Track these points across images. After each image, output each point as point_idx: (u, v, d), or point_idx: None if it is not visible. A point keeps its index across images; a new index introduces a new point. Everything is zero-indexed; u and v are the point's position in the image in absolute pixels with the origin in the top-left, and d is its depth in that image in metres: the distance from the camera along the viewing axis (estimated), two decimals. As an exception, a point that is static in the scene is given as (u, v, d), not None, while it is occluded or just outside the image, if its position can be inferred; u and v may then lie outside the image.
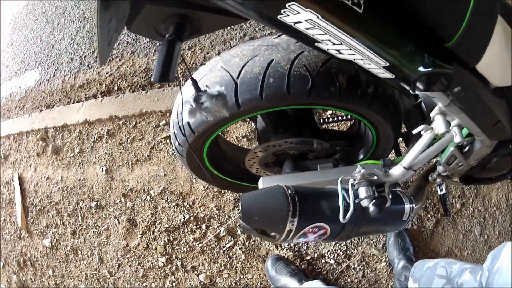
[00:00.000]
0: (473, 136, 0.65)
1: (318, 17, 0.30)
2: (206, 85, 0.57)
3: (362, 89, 0.60)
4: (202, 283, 1.03)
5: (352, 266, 1.02)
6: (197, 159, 0.75)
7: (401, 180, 0.66)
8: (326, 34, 0.33)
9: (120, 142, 1.19)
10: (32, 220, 1.49)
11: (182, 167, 1.07)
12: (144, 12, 0.34)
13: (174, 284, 1.07)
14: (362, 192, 0.57)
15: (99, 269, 1.22)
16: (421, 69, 0.41)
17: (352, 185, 0.58)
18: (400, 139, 0.86)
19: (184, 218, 1.04)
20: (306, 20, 0.30)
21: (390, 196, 0.60)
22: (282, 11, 0.29)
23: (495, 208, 1.13)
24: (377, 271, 1.02)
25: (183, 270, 1.05)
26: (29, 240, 1.53)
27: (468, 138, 0.69)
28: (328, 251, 1.01)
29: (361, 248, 1.02)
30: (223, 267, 1.02)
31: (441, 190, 0.86)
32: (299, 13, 0.29)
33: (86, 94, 1.39)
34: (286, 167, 0.81)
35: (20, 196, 1.55)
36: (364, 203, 0.57)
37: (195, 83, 0.44)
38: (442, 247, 1.07)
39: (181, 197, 1.05)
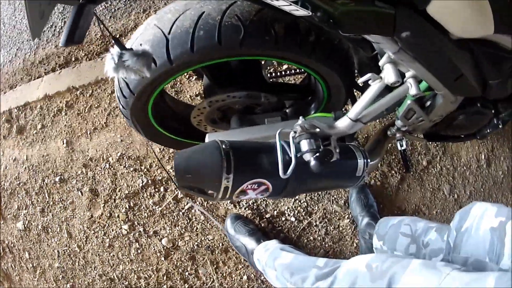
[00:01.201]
0: (434, 90, 0.64)
1: None
2: (140, 44, 0.60)
3: (302, 37, 0.61)
4: (165, 248, 1.09)
5: (314, 224, 1.06)
6: (143, 119, 0.79)
7: (348, 132, 0.67)
8: None
9: (78, 112, 1.24)
10: (5, 205, 1.58)
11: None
12: None
13: (139, 251, 1.13)
14: (304, 145, 0.57)
15: (69, 245, 1.30)
16: (342, 4, 0.40)
17: (293, 137, 0.58)
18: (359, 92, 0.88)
19: (142, 183, 1.10)
20: None
21: (338, 150, 0.60)
22: None
23: (465, 168, 1.15)
24: (341, 228, 1.06)
25: (146, 236, 1.11)
26: (4, 226, 1.62)
27: (429, 92, 0.69)
28: (288, 208, 1.05)
29: (322, 205, 1.06)
30: (183, 230, 1.08)
31: (401, 146, 0.87)
32: None
33: (45, 69, 1.44)
34: (233, 123, 0.84)
35: (-8, 182, 1.65)
36: (306, 157, 0.57)
37: (117, 41, 0.48)
38: (409, 204, 1.10)
39: (138, 162, 1.11)
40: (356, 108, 0.64)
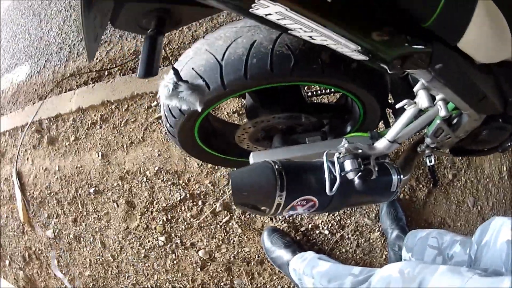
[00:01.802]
0: (461, 110, 0.71)
1: (286, 10, 0.35)
2: (192, 68, 0.65)
3: (345, 64, 0.66)
4: (201, 259, 1.16)
5: (346, 236, 1.12)
6: (189, 138, 0.85)
7: (386, 152, 0.73)
8: (296, 23, 0.38)
9: (114, 126, 1.31)
10: (33, 213, 1.65)
11: (176, 146, 1.19)
12: (126, 9, 0.39)
13: (175, 262, 1.20)
14: (348, 165, 0.63)
15: (102, 254, 1.36)
16: (395, 50, 0.46)
17: (338, 158, 0.64)
18: (390, 110, 0.95)
19: (180, 196, 1.16)
20: (276, 12, 0.35)
21: (376, 168, 0.66)
22: (252, 5, 0.34)
23: (488, 180, 1.21)
24: (371, 241, 1.12)
25: (183, 247, 1.18)
26: (32, 233, 1.70)
27: (456, 111, 0.76)
28: (322, 222, 1.11)
29: (354, 218, 1.12)
30: (221, 242, 1.14)
31: (430, 162, 0.92)
32: (268, 6, 0.34)
33: (77, 82, 1.52)
34: (276, 142, 0.90)
35: (20, 191, 1.72)
36: (350, 175, 0.62)
37: (176, 72, 0.51)
38: (435, 217, 1.16)
39: (176, 176, 1.17)
40: (393, 131, 0.70)
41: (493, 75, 0.62)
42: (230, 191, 0.61)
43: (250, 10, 0.35)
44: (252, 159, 0.79)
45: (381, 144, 0.72)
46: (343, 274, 0.76)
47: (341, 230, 1.12)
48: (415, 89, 0.63)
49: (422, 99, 0.62)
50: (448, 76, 0.55)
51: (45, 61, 1.77)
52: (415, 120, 0.71)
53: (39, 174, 1.61)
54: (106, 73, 1.43)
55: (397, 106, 0.66)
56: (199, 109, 0.55)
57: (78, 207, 1.41)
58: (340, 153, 0.65)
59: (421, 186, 1.19)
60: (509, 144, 0.94)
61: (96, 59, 1.49)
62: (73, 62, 1.58)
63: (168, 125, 0.78)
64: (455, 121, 0.79)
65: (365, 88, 0.73)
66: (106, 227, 1.33)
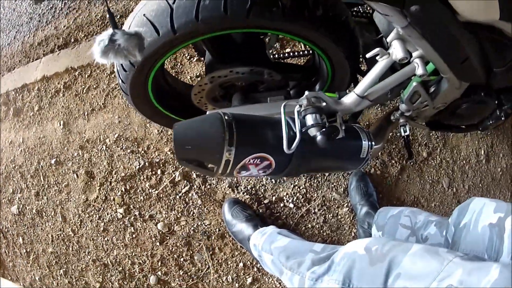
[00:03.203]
0: (440, 74, 0.68)
1: None
2: (144, 14, 0.64)
3: (309, 10, 0.65)
4: (160, 232, 1.16)
5: (313, 211, 1.11)
6: (143, 97, 0.84)
7: (355, 109, 0.70)
8: None
9: (76, 93, 1.33)
10: (0, 189, 1.68)
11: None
12: None
13: (134, 236, 1.20)
14: (309, 119, 0.59)
15: (63, 229, 1.38)
16: None
17: (299, 112, 0.60)
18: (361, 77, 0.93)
19: (139, 165, 1.17)
20: None
21: (343, 128, 0.62)
22: None
23: (464, 162, 1.20)
24: (339, 217, 1.11)
25: (142, 220, 1.18)
26: (-1, 210, 1.73)
27: (434, 77, 0.73)
28: (287, 194, 1.11)
29: (321, 192, 1.11)
30: (180, 214, 1.14)
31: (404, 131, 0.90)
32: None
33: (44, 51, 1.53)
34: (235, 100, 0.88)
35: (-13, 166, 1.75)
36: (312, 132, 0.58)
37: (111, 18, 0.50)
38: (408, 195, 1.15)
39: (135, 143, 1.18)
40: (363, 84, 0.67)
41: (478, 38, 0.59)
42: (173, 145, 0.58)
43: None
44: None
45: (349, 99, 0.68)
46: (303, 251, 0.72)
47: (307, 204, 1.12)
48: (389, 39, 0.61)
49: (396, 50, 0.59)
50: (425, 23, 0.52)
51: (16, 32, 1.79)
52: (388, 77, 0.68)
53: (4, 148, 1.64)
54: (72, 40, 1.44)
55: (368, 54, 0.63)
56: (139, 58, 0.54)
57: (40, 179, 1.43)
58: (301, 106, 0.61)
59: (393, 161, 1.18)
60: (490, 122, 0.91)
61: (64, 26, 1.51)
62: (41, 31, 1.60)
63: (120, 81, 0.78)
64: (433, 87, 0.76)
65: (331, 39, 0.71)
66: (67, 199, 1.34)
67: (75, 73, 1.35)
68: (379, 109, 1.23)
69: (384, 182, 1.17)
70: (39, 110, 1.44)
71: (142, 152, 1.17)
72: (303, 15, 0.65)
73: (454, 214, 0.65)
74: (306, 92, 0.63)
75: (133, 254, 1.22)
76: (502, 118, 0.87)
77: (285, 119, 0.58)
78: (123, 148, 1.19)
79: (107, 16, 0.50)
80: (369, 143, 0.70)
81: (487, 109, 0.86)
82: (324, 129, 0.58)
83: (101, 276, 1.31)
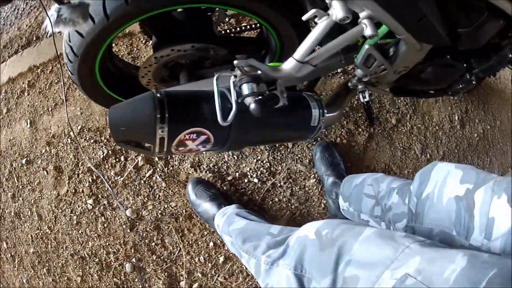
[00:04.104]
0: (397, 36, 0.63)
1: None
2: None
3: None
4: (130, 219, 1.22)
5: (278, 184, 1.15)
6: (92, 84, 0.88)
7: (297, 76, 0.67)
8: None
9: (40, 90, 1.39)
10: (-21, 196, 1.76)
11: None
12: None
13: (105, 226, 1.26)
14: (245, 89, 0.58)
15: (40, 227, 1.45)
16: None
17: (234, 82, 0.60)
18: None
19: (103, 154, 1.23)
20: None
21: (285, 95, 0.61)
22: None
23: (437, 127, 1.22)
24: (307, 189, 1.15)
25: (111, 208, 1.24)
26: (-19, 218, 1.81)
27: (391, 40, 0.70)
28: (250, 169, 1.15)
29: (286, 165, 1.16)
30: (146, 199, 1.20)
31: (363, 98, 0.88)
32: None
33: (9, 53, 1.61)
34: (182, 79, 0.90)
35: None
36: (247, 101, 0.58)
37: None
38: (378, 163, 1.18)
39: (98, 133, 1.24)
40: (302, 49, 0.64)
41: None
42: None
43: None
44: None
45: (288, 65, 0.66)
46: (260, 233, 0.72)
47: (272, 178, 1.16)
48: None
49: (336, 9, 0.55)
50: None
51: (-17, 38, 1.86)
52: (332, 40, 0.64)
53: (-21, 154, 1.72)
54: (34, 38, 1.51)
55: (304, 17, 0.60)
56: (84, 25, 0.59)
57: (15, 181, 1.50)
58: (236, 77, 0.60)
59: (360, 130, 1.22)
60: (460, 86, 0.88)
61: (26, 25, 1.57)
62: (6, 34, 1.67)
63: (70, 73, 0.83)
64: (391, 51, 0.72)
65: (271, 7, 0.71)
66: (40, 197, 1.41)
67: (38, 71, 1.41)
68: (342, 77, 1.27)
69: (352, 151, 1.20)
70: (7, 113, 1.51)
71: (105, 141, 1.23)
72: None
73: (415, 181, 0.62)
74: (235, 61, 0.63)
75: (107, 243, 1.28)
76: (473, 82, 0.83)
77: (218, 91, 0.58)
78: (87, 139, 1.25)
79: None
80: (320, 110, 0.69)
81: (455, 72, 0.82)
82: (259, 97, 0.57)
83: (80, 270, 1.37)
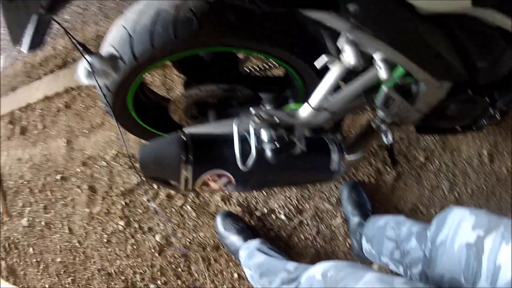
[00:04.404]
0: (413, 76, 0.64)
1: None
2: (111, 44, 0.75)
3: (256, 24, 0.70)
4: (159, 244, 1.30)
5: (305, 222, 1.21)
6: (126, 117, 0.93)
7: (315, 122, 0.71)
8: None
9: (76, 112, 1.48)
10: (10, 203, 1.87)
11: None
12: None
13: (134, 247, 1.35)
14: (263, 135, 0.63)
15: (70, 240, 1.54)
16: None
17: (253, 128, 0.64)
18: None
19: (137, 180, 1.30)
20: None
21: (303, 141, 0.65)
22: None
23: (466, 164, 1.24)
24: (333, 228, 1.21)
25: (141, 232, 1.32)
26: (10, 223, 1.92)
27: (410, 78, 0.70)
28: (278, 205, 1.22)
29: (313, 203, 1.21)
30: (176, 227, 1.27)
31: (387, 139, 0.86)
32: None
33: (44, 71, 1.70)
34: (210, 117, 0.96)
35: (-1, 182, 1.94)
36: (265, 147, 0.62)
37: (84, 48, 0.61)
38: (406, 203, 1.21)
39: (133, 159, 1.32)
40: (316, 95, 0.66)
41: (449, 30, 0.53)
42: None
43: None
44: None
45: (304, 113, 0.69)
46: (276, 269, 0.78)
47: (299, 215, 1.22)
48: (339, 43, 0.56)
49: (348, 55, 0.54)
50: (373, 22, 0.47)
51: (18, 53, 1.96)
52: (348, 85, 0.66)
53: (13, 165, 1.82)
54: (70, 60, 1.59)
55: (316, 63, 0.60)
56: (116, 76, 0.65)
57: (48, 194, 1.60)
58: (254, 122, 0.64)
59: (388, 169, 1.25)
60: (483, 121, 0.89)
61: (61, 46, 1.66)
62: (42, 52, 1.76)
63: (104, 105, 0.89)
64: (410, 90, 0.73)
65: (287, 50, 0.74)
66: (72, 213, 1.50)
67: (74, 93, 1.50)
68: (371, 113, 1.30)
69: (380, 190, 1.24)
70: (43, 129, 1.61)
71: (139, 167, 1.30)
72: (251, 29, 0.70)
73: (432, 226, 0.65)
74: (251, 109, 0.67)
75: (135, 264, 1.36)
76: (497, 117, 0.83)
77: (238, 136, 0.64)
78: (121, 163, 1.33)
79: (78, 48, 0.60)
80: (340, 154, 0.72)
81: (477, 107, 0.82)
82: (275, 146, 0.61)
83: (105, 284, 1.47)
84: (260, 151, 0.62)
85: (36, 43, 0.53)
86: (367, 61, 0.58)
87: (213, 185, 0.67)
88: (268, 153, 0.62)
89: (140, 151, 0.67)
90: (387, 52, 0.54)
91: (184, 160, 0.62)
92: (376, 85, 0.73)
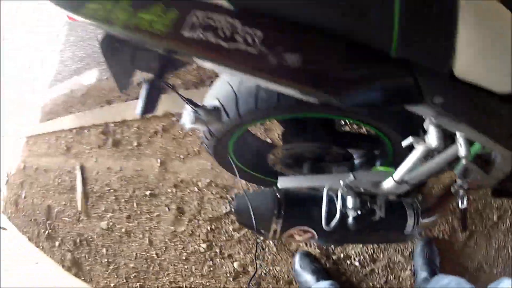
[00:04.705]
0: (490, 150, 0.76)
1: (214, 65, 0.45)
2: (216, 97, 0.80)
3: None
4: (235, 270, 1.45)
5: (376, 271, 1.32)
6: (225, 158, 1.05)
7: (396, 192, 0.81)
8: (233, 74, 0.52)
9: (174, 137, 1.70)
10: (91, 205, 2.12)
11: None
12: (138, 55, 0.56)
13: (211, 269, 1.51)
14: (349, 202, 0.71)
15: (148, 251, 1.74)
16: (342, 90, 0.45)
17: (342, 194, 0.73)
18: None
19: (226, 210, 1.48)
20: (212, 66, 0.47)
21: (383, 210, 0.75)
22: (197, 61, 0.47)
23: None
24: (400, 279, 1.31)
25: (221, 256, 1.48)
26: (87, 222, 2.17)
27: (486, 149, 0.78)
28: (355, 252, 1.33)
29: (387, 254, 1.32)
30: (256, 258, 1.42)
31: (462, 203, 0.94)
32: (204, 63, 0.47)
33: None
34: (304, 168, 1.08)
35: (81, 184, 2.20)
36: (349, 213, 0.71)
37: (191, 102, 0.72)
38: (472, 262, 1.29)
39: (224, 190, 1.49)
40: (401, 171, 0.73)
41: None
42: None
43: (198, 63, 0.47)
44: (279, 183, 0.93)
45: (387, 184, 0.78)
46: None
47: (372, 264, 1.33)
48: (425, 125, 0.62)
49: (431, 138, 0.61)
50: (457, 110, 0.52)
51: (116, 69, 2.25)
52: (430, 161, 0.75)
53: (101, 172, 2.08)
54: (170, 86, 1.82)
55: (403, 143, 0.67)
56: (219, 126, 0.76)
57: (133, 206, 1.81)
58: (343, 189, 0.75)
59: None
60: None
61: (163, 75, 1.90)
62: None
63: (205, 145, 1.03)
64: (486, 161, 0.81)
65: (380, 120, 0.85)
66: (156, 227, 1.70)
67: (173, 119, 1.72)
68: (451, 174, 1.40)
69: (451, 248, 1.32)
70: (138, 146, 1.84)
71: (230, 199, 1.47)
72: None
73: None
74: (341, 182, 0.78)
75: (207, 283, 1.53)
76: None
77: (326, 201, 0.75)
78: (213, 192, 1.51)
79: (186, 102, 0.73)
80: (415, 219, 0.82)
81: None
82: (357, 214, 0.72)
83: (174, 297, 1.63)
84: (344, 215, 0.74)
85: (149, 109, 0.60)
86: (449, 139, 0.64)
87: (298, 238, 0.80)
88: (351, 220, 0.73)
89: (237, 199, 0.79)
90: (467, 132, 0.60)
91: (276, 215, 0.73)
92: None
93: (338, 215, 0.71)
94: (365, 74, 0.45)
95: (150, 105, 0.61)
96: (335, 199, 0.76)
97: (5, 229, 3.11)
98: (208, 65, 0.46)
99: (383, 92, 0.47)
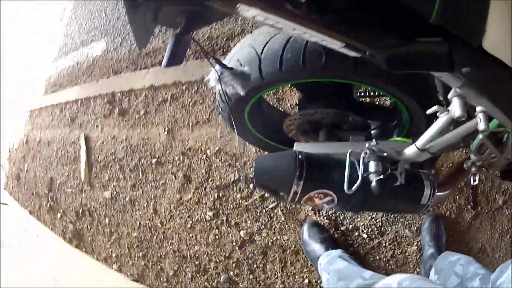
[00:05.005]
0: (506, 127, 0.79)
1: (261, 12, 0.42)
2: (238, 59, 0.80)
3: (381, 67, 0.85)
4: (242, 239, 1.46)
5: (384, 244, 1.32)
6: (237, 122, 1.03)
7: (417, 160, 0.83)
8: (279, 23, 0.45)
9: (183, 105, 1.69)
10: (95, 175, 2.12)
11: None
12: (163, 10, 0.51)
13: (217, 237, 1.52)
14: (371, 166, 0.72)
15: (152, 219, 1.74)
16: (386, 48, 0.49)
17: (364, 158, 0.73)
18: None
19: (234, 177, 1.48)
20: (258, 14, 0.43)
21: (403, 176, 0.76)
22: (238, 9, 0.43)
23: None
24: (407, 254, 1.31)
25: (227, 225, 1.49)
26: (90, 193, 2.18)
27: (503, 128, 0.83)
28: (363, 224, 1.34)
29: (395, 227, 1.32)
30: (263, 226, 1.43)
31: (473, 181, 0.99)
32: (248, 10, 0.43)
33: (152, 62, 1.93)
34: (321, 136, 1.09)
35: (85, 154, 2.21)
36: (371, 177, 0.71)
37: (218, 61, 0.72)
38: (476, 243, 1.30)
39: (234, 158, 1.49)
40: (424, 138, 0.76)
41: None
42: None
43: (241, 13, 0.44)
44: (295, 148, 0.94)
45: (410, 151, 0.79)
46: (353, 275, 0.90)
47: (379, 237, 1.33)
48: (449, 96, 0.67)
49: (455, 108, 0.65)
50: (481, 83, 0.56)
51: (122, 39, 2.24)
52: (451, 132, 0.79)
53: (106, 141, 2.08)
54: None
55: (428, 112, 0.71)
56: (242, 93, 0.76)
57: (139, 174, 1.82)
58: (366, 153, 0.74)
59: (469, 206, 1.34)
60: None
61: (173, 44, 1.89)
62: (149, 43, 2.00)
63: (220, 109, 1.02)
64: (502, 140, 0.86)
65: (401, 90, 0.86)
66: (161, 195, 1.70)
67: (183, 87, 1.71)
68: (464, 151, 1.40)
69: (457, 227, 1.33)
70: (145, 114, 1.84)
71: (239, 167, 1.47)
72: (372, 68, 0.79)
73: (496, 271, 0.76)
74: (366, 144, 0.79)
75: (212, 252, 1.53)
76: None
77: (349, 164, 0.75)
78: (222, 160, 1.51)
79: (211, 59, 0.72)
80: (432, 190, 0.82)
81: None
82: (381, 177, 0.73)
83: (177, 265, 1.65)
84: (365, 179, 0.75)
85: (174, 61, 0.59)
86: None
87: (317, 201, 0.79)
88: (374, 183, 0.73)
89: (258, 161, 0.78)
90: (488, 107, 0.64)
91: (298, 176, 0.72)
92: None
93: (360, 179, 0.71)
94: (408, 34, 0.49)
95: (177, 56, 0.61)
96: (356, 164, 0.76)
97: (6, 204, 3.14)
98: (252, 12, 0.45)
99: (422, 56, 0.50)
